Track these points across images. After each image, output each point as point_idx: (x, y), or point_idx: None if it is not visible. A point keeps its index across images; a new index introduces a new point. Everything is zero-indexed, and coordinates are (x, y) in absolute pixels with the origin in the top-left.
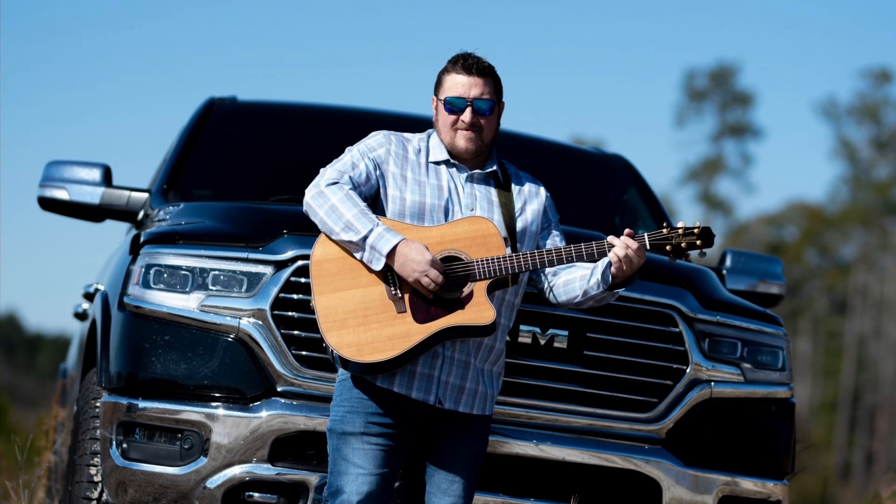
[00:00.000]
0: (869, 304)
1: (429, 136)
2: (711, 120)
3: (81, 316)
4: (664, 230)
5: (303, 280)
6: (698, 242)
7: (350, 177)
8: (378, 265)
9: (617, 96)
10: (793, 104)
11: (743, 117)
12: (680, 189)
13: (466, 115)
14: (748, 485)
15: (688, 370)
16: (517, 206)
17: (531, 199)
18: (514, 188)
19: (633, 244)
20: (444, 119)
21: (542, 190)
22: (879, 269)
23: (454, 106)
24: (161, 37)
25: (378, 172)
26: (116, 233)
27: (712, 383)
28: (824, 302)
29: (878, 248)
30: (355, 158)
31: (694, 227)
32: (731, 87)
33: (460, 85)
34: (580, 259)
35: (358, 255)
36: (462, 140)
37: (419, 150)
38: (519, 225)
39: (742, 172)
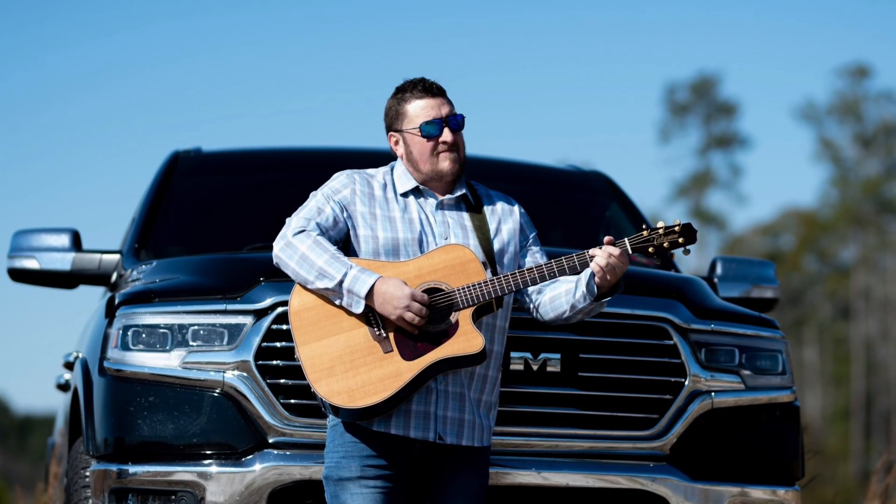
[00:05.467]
0: (873, 306)
1: (391, 169)
2: (696, 133)
3: (64, 387)
4: (644, 232)
5: (284, 327)
6: (681, 240)
7: (317, 223)
8: (358, 308)
9: (599, 117)
10: (777, 110)
11: (728, 128)
12: (670, 206)
13: (446, 135)
14: (759, 493)
15: (686, 382)
16: (492, 227)
17: (506, 219)
18: (487, 209)
19: (615, 251)
20: (422, 147)
21: (517, 207)
22: (881, 269)
23: (431, 129)
24: (116, 96)
25: (345, 214)
26: (92, 298)
27: (713, 393)
28: (828, 308)
29: (878, 248)
30: (320, 203)
31: (674, 225)
32: (713, 98)
33: (429, 107)
34: (562, 273)
35: (337, 301)
36: (447, 162)
37: (385, 185)
38: (496, 246)
39: (732, 184)
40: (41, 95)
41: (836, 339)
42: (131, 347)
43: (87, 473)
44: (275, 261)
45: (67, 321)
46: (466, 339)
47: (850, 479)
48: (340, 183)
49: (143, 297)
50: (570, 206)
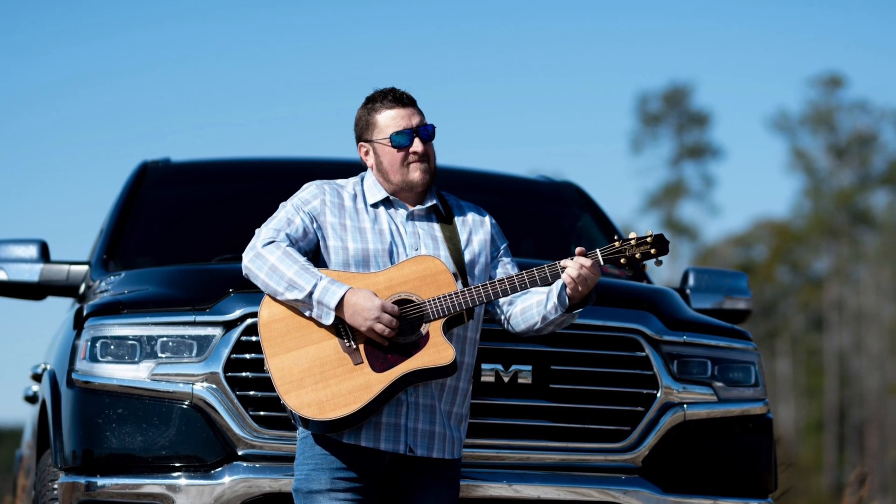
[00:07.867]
0: (847, 317)
1: (362, 180)
2: (668, 143)
3: (32, 399)
4: (616, 243)
5: (254, 339)
6: (653, 251)
7: (287, 234)
8: (328, 319)
9: (570, 127)
10: (750, 120)
11: (701, 138)
12: (642, 217)
13: (417, 146)
14: None
15: (658, 394)
16: (462, 238)
17: (476, 229)
18: (458, 220)
19: (587, 262)
20: (392, 158)
21: (487, 218)
22: (854, 280)
23: (401, 140)
24: (85, 106)
25: (315, 225)
26: (61, 310)
27: (685, 406)
28: (801, 320)
29: (851, 259)
30: (290, 214)
31: (646, 236)
32: (686, 108)
33: (400, 118)
34: (534, 284)
35: (307, 313)
36: (417, 173)
37: (355, 196)
38: (467, 257)
39: (704, 195)
40: (7, 105)
41: (809, 350)
42: (100, 359)
43: (56, 486)
44: (244, 272)
45: (35, 333)
46: (437, 351)
47: (824, 492)
48: (310, 193)
49: (111, 308)
50: (542, 216)
